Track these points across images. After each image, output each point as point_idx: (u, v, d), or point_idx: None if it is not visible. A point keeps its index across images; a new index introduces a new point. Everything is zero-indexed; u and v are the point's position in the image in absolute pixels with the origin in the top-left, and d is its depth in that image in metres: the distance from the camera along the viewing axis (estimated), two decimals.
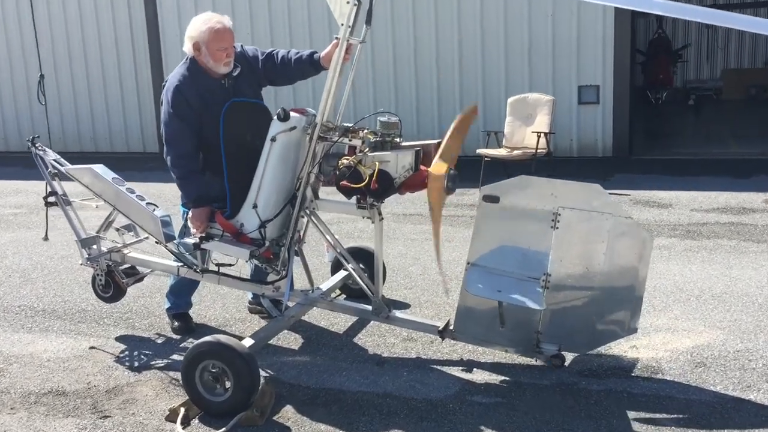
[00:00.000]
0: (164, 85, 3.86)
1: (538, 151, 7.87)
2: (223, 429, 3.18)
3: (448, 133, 3.55)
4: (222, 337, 3.39)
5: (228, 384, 3.28)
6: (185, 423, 3.24)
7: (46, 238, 4.70)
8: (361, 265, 4.65)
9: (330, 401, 3.44)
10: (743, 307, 4.36)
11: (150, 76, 11.57)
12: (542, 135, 7.89)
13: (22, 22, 12.15)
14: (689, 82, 17.80)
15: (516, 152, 8.11)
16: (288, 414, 3.34)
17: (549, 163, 8.14)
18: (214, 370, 3.30)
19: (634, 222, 3.48)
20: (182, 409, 3.30)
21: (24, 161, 11.61)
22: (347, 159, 3.57)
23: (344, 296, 4.71)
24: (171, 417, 3.30)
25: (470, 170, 8.20)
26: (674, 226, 6.28)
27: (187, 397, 3.36)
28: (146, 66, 11.63)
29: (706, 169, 8.74)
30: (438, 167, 3.54)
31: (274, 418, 3.30)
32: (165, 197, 6.32)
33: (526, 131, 8.18)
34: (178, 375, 3.74)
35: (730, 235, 5.93)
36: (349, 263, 3.99)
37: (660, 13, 3.58)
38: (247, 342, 3.49)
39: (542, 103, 8.17)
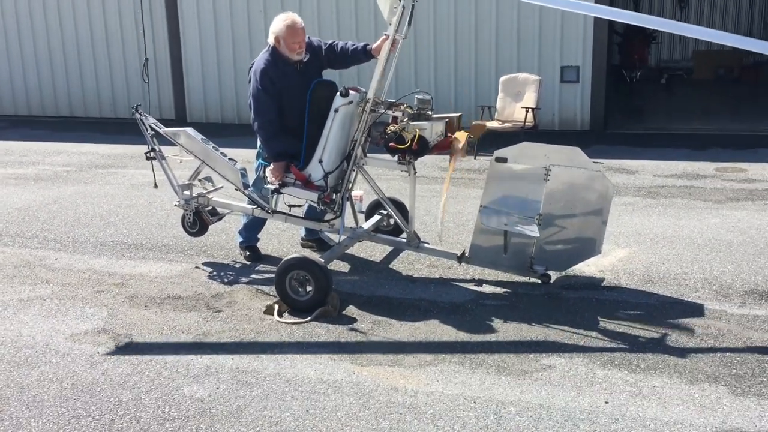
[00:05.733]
0: (251, 67, 5.05)
1: (526, 124, 9.13)
2: (308, 318, 4.45)
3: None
4: (306, 253, 4.64)
5: (309, 288, 4.55)
6: (280, 315, 4.50)
7: (155, 186, 5.82)
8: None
9: (380, 303, 4.73)
10: (685, 245, 5.70)
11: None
12: (530, 110, 9.15)
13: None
14: (662, 62, 19.08)
15: (507, 125, 9.36)
16: (352, 310, 4.61)
17: (535, 136, 9.39)
18: (299, 278, 4.56)
19: (602, 174, 4.75)
20: (276, 306, 4.56)
21: (52, 125, 12.76)
22: (393, 126, 4.80)
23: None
24: (268, 311, 4.57)
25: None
26: (638, 188, 7.60)
27: (278, 298, 4.62)
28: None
29: (670, 141, 10.07)
30: (460, 134, 4.82)
31: (343, 312, 4.58)
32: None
33: (515, 106, 9.43)
34: (262, 287, 5.02)
35: (682, 195, 7.27)
36: (388, 206, 5.25)
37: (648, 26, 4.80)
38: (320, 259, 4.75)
39: (530, 82, 9.42)
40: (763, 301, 4.62)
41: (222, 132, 10.54)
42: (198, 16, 12.43)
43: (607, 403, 3.46)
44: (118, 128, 11.98)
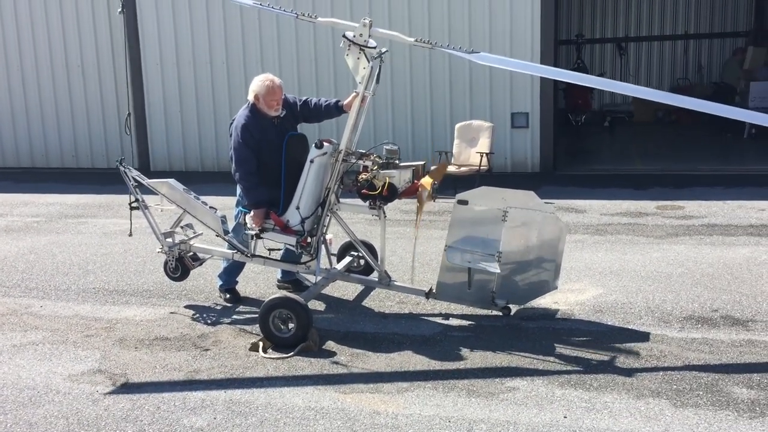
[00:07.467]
0: (232, 123, 5.47)
1: (481, 168, 9.71)
2: (291, 353, 4.81)
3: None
4: (287, 293, 5.02)
5: (291, 325, 4.92)
6: (264, 351, 4.86)
7: (130, 235, 6.16)
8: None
9: (357, 338, 5.12)
10: (630, 278, 6.25)
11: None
12: (484, 155, 9.74)
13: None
14: (605, 106, 20.08)
15: (463, 168, 9.94)
16: (331, 345, 5.00)
17: (489, 179, 9.97)
18: (282, 316, 4.93)
19: (555, 216, 5.27)
20: (260, 343, 4.92)
21: (14, 176, 12.89)
22: (365, 174, 5.26)
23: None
24: (253, 348, 4.92)
25: None
26: (587, 226, 8.19)
27: (261, 336, 4.97)
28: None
29: (615, 182, 10.76)
30: (426, 181, 5.30)
31: (323, 347, 4.95)
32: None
33: (470, 151, 10.02)
34: (245, 326, 5.37)
35: (627, 232, 7.87)
36: (361, 248, 5.67)
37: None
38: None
39: (484, 129, 10.04)
40: (699, 325, 5.16)
41: (186, 180, 10.83)
42: (161, 66, 12.84)
43: (565, 417, 3.91)
44: (82, 178, 12.20)
